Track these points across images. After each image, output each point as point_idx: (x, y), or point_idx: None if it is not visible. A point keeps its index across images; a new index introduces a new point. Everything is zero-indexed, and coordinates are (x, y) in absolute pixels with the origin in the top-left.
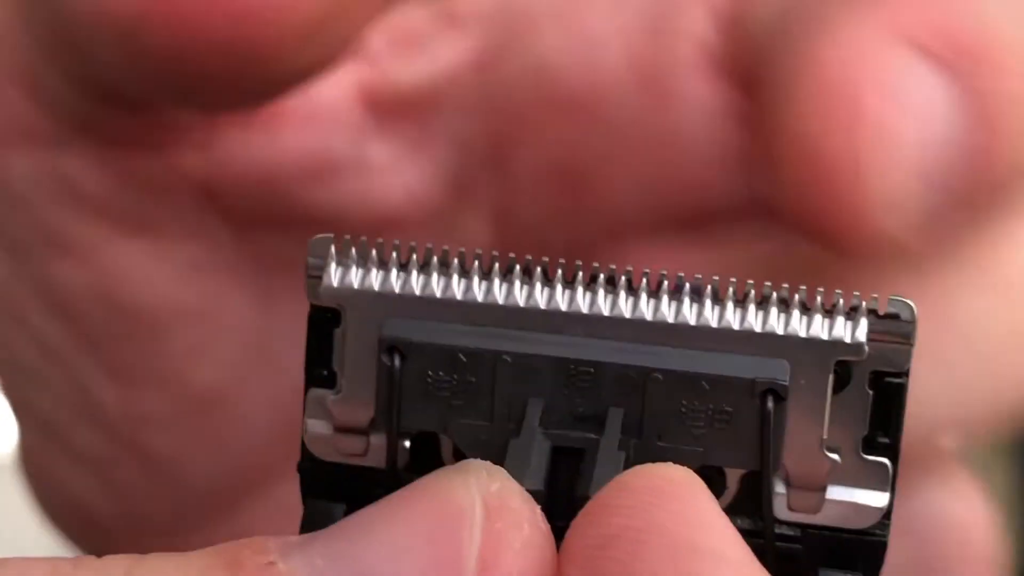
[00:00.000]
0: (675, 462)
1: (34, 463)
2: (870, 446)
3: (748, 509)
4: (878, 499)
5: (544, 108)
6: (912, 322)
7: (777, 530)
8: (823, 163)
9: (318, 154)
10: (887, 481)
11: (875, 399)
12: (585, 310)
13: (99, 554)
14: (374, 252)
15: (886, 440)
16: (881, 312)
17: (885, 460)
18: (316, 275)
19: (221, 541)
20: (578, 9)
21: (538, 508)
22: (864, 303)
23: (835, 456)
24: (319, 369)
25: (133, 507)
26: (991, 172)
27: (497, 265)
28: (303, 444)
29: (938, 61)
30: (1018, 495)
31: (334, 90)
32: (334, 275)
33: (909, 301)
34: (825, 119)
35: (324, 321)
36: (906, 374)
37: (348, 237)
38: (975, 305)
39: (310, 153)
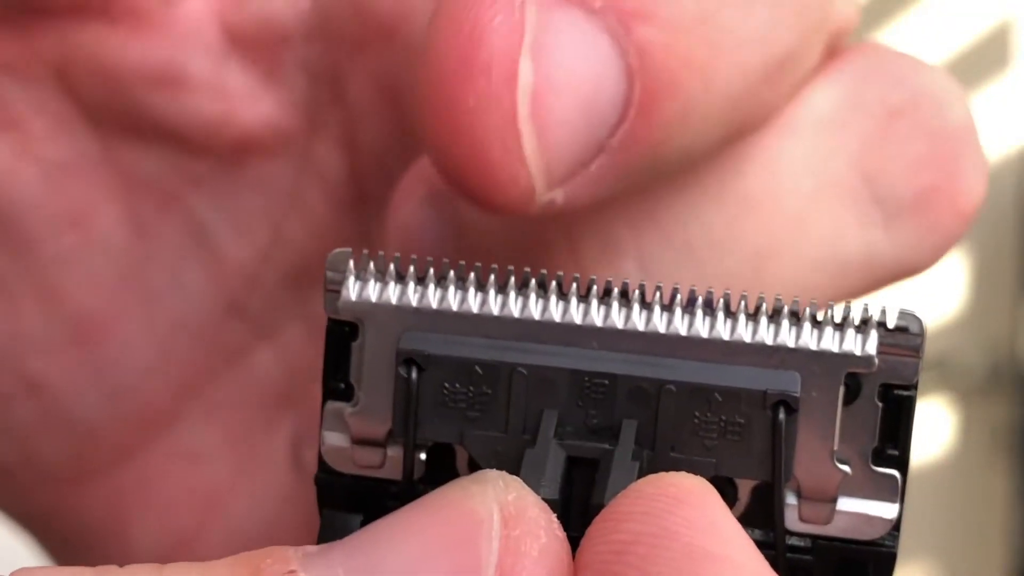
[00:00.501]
0: (688, 472)
1: None
2: (879, 458)
3: (759, 520)
4: (888, 510)
5: (366, 34)
6: (921, 335)
7: (788, 541)
8: (458, 120)
9: (172, 65)
10: (896, 492)
11: (884, 411)
12: (599, 323)
13: (9, 507)
14: (392, 266)
15: (895, 452)
16: (891, 325)
17: (894, 472)
18: (334, 289)
19: (126, 489)
20: None
21: (554, 516)
22: (874, 316)
23: (846, 467)
24: (336, 382)
25: (33, 451)
26: (649, 128)
27: (513, 279)
28: (320, 456)
29: (586, 8)
30: (1018, 495)
31: (193, 9)
32: (352, 289)
33: (918, 315)
34: (451, 61)
35: (341, 335)
36: (915, 387)
37: (366, 252)
38: (719, 221)
39: (163, 61)
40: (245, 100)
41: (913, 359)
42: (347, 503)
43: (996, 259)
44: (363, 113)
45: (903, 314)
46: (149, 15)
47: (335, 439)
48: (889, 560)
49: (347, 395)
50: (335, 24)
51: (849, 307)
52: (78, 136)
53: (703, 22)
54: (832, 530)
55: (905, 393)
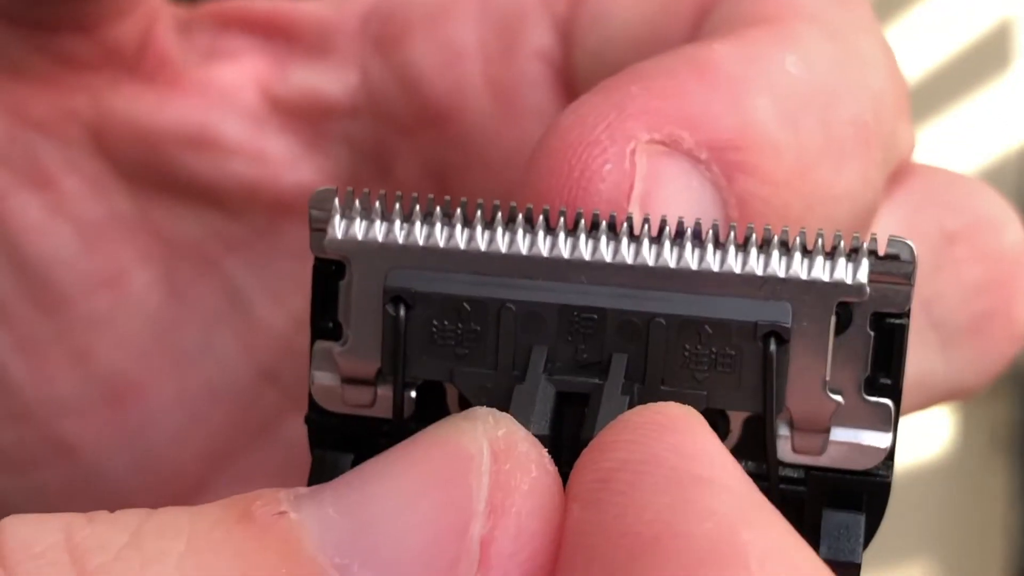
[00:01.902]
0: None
1: None
2: (872, 387)
3: (752, 452)
4: (881, 439)
5: (416, 117)
6: (912, 262)
7: (781, 472)
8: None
9: (207, 127)
10: (889, 421)
11: (876, 340)
12: (588, 257)
13: None
14: (377, 204)
15: (887, 381)
16: (881, 253)
17: (887, 401)
18: (320, 227)
19: None
20: (445, 19)
21: (544, 451)
22: (865, 244)
23: (838, 397)
24: (324, 321)
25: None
26: None
27: (500, 214)
28: (310, 396)
29: (692, 158)
30: (1018, 495)
31: (234, 76)
32: (338, 227)
33: (909, 241)
34: (557, 202)
35: (328, 273)
36: (907, 315)
37: (351, 189)
38: None
39: (198, 123)
40: (284, 165)
41: (905, 286)
42: (338, 443)
43: None
44: (406, 189)
45: (893, 241)
46: (184, 76)
47: (325, 378)
48: (883, 489)
49: (335, 334)
50: (384, 104)
51: (839, 236)
52: (112, 196)
53: (801, 178)
54: (825, 460)
55: (897, 321)
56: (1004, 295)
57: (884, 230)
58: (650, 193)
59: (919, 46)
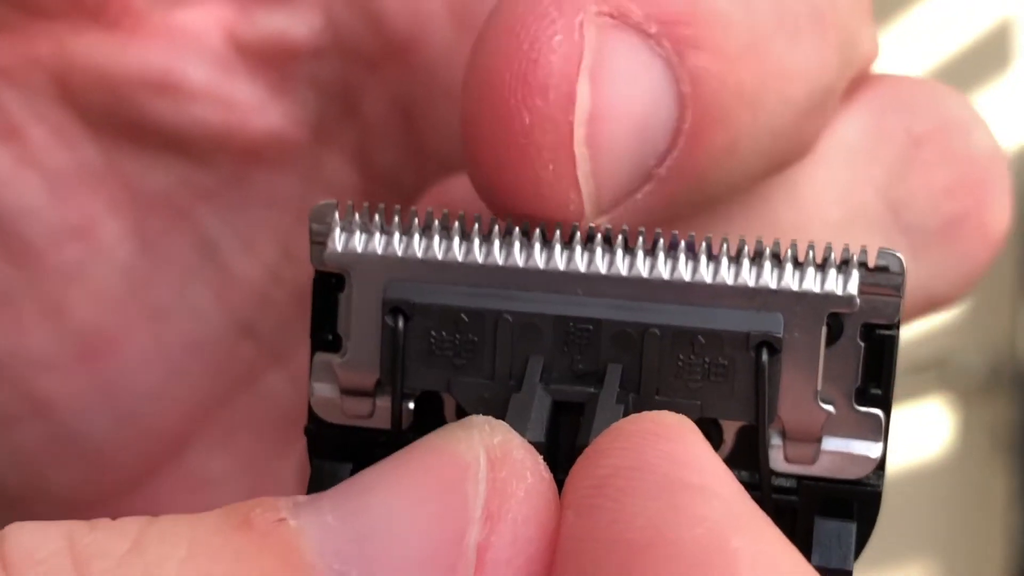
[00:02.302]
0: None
1: None
2: (862, 397)
3: (745, 462)
4: (872, 449)
5: (381, 52)
6: (902, 274)
7: (774, 482)
8: (510, 138)
9: (172, 71)
10: (880, 431)
11: (867, 351)
12: (583, 269)
13: None
14: (377, 217)
15: (878, 391)
16: (871, 265)
17: (878, 411)
18: (320, 241)
19: (137, 515)
20: None
21: (540, 458)
22: (855, 256)
23: (829, 407)
24: (324, 333)
25: (41, 476)
26: (697, 158)
27: (497, 227)
28: (310, 407)
29: (642, 32)
30: (1018, 495)
31: (198, 20)
32: (338, 240)
33: (898, 254)
34: (507, 78)
35: (328, 286)
36: (897, 326)
37: (351, 203)
38: None
39: (163, 68)
40: (252, 111)
41: (894, 298)
42: (337, 453)
43: (996, 259)
44: (376, 129)
45: (883, 253)
46: (147, 21)
47: (324, 390)
48: (874, 499)
49: (335, 346)
50: (349, 41)
51: (830, 248)
52: (79, 145)
53: (754, 52)
54: (817, 470)
55: (887, 332)
56: (975, 198)
57: (849, 133)
58: (600, 65)
59: (919, 46)
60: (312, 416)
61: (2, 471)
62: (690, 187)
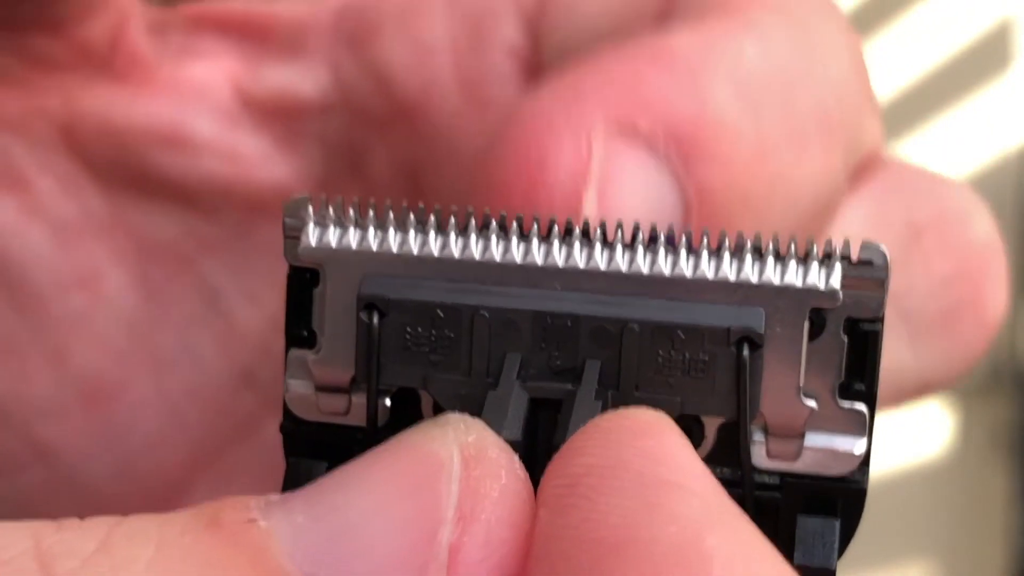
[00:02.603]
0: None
1: None
2: (846, 392)
3: (727, 459)
4: (856, 445)
5: (388, 113)
6: (885, 268)
7: (756, 479)
8: None
9: (179, 125)
10: (864, 427)
11: (850, 346)
12: (561, 264)
13: None
14: (351, 211)
15: (862, 386)
16: (855, 259)
17: (862, 406)
18: (294, 235)
19: None
20: (416, 16)
21: (515, 457)
22: (838, 249)
23: (812, 403)
24: (299, 329)
25: (40, 518)
26: None
27: (473, 221)
28: (285, 404)
29: (649, 144)
30: (1018, 495)
31: (206, 74)
32: (312, 235)
33: (882, 247)
34: (516, 189)
35: (303, 281)
36: (880, 320)
37: (324, 197)
38: None
39: (170, 121)
40: (257, 164)
41: (878, 293)
42: (313, 450)
43: None
44: (381, 189)
45: (867, 247)
46: (157, 75)
47: (299, 387)
48: (858, 495)
49: (310, 342)
50: (357, 100)
51: (812, 241)
52: (86, 196)
53: (761, 163)
54: (800, 466)
55: (870, 327)
56: (973, 287)
57: (851, 223)
58: (607, 179)
59: (919, 46)
60: (287, 413)
61: (3, 515)
62: None
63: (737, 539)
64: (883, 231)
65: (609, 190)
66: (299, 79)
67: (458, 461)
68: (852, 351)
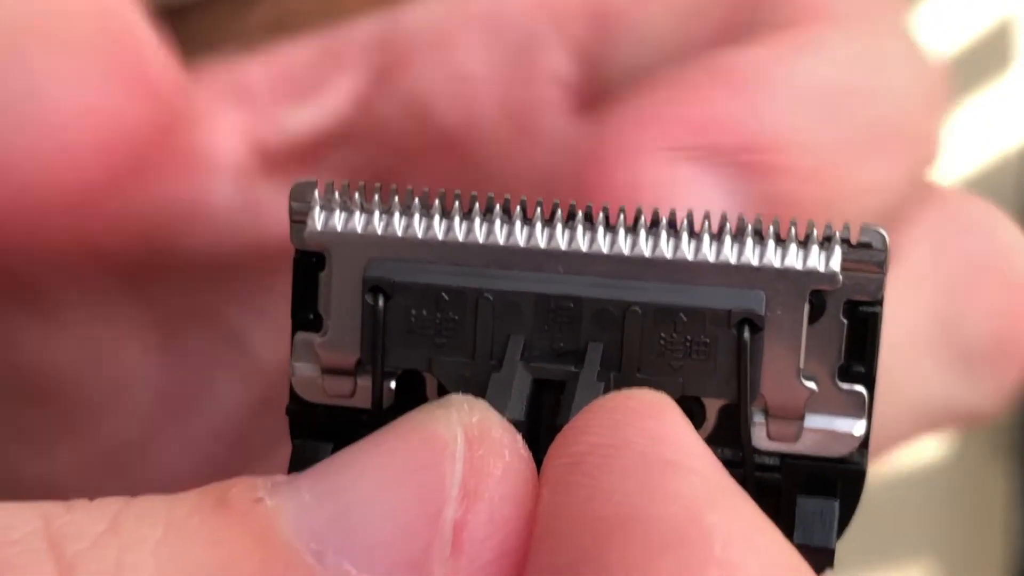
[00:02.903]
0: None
1: None
2: (846, 375)
3: (728, 440)
4: (855, 427)
5: (422, 144)
6: (884, 250)
7: (756, 460)
8: None
9: (198, 202)
10: (863, 409)
11: (850, 328)
12: (564, 247)
13: None
14: (357, 195)
15: (861, 368)
16: (854, 241)
17: (861, 388)
18: (300, 220)
19: None
20: (453, 46)
21: (519, 436)
22: (838, 232)
23: (812, 385)
24: (305, 313)
25: None
26: None
27: (477, 205)
28: (291, 387)
29: (718, 163)
30: (1018, 495)
31: (220, 137)
32: (318, 219)
33: (881, 229)
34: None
35: (309, 265)
36: (880, 303)
37: (331, 181)
38: None
39: (189, 200)
40: (280, 214)
41: (878, 275)
42: (318, 433)
43: None
44: None
45: (866, 230)
46: (168, 148)
47: (306, 369)
48: (858, 476)
49: (316, 325)
50: (389, 133)
51: (812, 224)
52: (106, 293)
53: (827, 174)
54: (800, 448)
55: (870, 309)
56: (1022, 320)
57: (910, 255)
58: (679, 202)
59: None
60: (293, 396)
61: None
62: None
63: (738, 517)
64: (942, 264)
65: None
66: (320, 116)
67: (462, 441)
68: (852, 333)
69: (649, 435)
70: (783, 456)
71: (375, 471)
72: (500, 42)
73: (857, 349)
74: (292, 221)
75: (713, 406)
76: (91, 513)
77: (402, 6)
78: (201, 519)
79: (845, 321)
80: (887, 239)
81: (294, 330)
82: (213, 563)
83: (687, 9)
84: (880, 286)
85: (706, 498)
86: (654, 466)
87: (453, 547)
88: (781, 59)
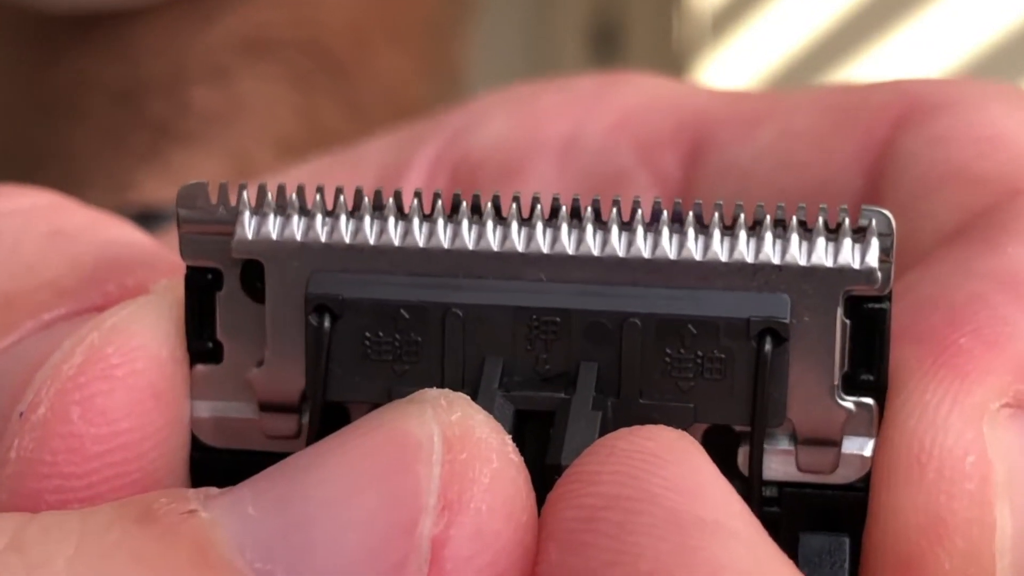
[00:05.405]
0: (661, 421)
1: None
2: (852, 384)
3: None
4: (865, 446)
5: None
6: (891, 235)
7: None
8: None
9: None
10: (872, 425)
11: (854, 329)
12: (546, 250)
13: None
14: (294, 196)
15: (869, 377)
16: (853, 225)
17: (870, 400)
18: (189, 230)
19: None
20: (527, 174)
21: (508, 438)
22: (873, 221)
23: (850, 405)
24: (202, 342)
25: None
26: None
27: (441, 203)
28: (192, 432)
29: None
30: None
31: None
32: (249, 225)
33: (886, 212)
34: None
35: (203, 285)
36: (888, 297)
37: (264, 183)
38: None
39: None
40: None
41: (885, 263)
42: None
43: None
44: None
45: (867, 212)
46: None
47: (205, 409)
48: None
49: (216, 356)
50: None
51: (844, 210)
52: None
53: None
54: (800, 475)
55: (877, 306)
56: None
57: None
58: (1018, 477)
59: (930, 46)
60: (195, 442)
61: None
62: None
63: None
64: None
65: (1018, 488)
66: None
67: (439, 441)
68: (856, 335)
69: (677, 487)
70: (781, 485)
71: (335, 477)
72: (576, 172)
73: (863, 353)
74: (181, 232)
75: (698, 429)
76: None
77: (470, 123)
78: (120, 533)
79: (848, 321)
80: (893, 222)
81: (192, 363)
82: None
83: (807, 141)
84: (889, 276)
85: (754, 569)
86: (688, 527)
87: (432, 566)
88: None
